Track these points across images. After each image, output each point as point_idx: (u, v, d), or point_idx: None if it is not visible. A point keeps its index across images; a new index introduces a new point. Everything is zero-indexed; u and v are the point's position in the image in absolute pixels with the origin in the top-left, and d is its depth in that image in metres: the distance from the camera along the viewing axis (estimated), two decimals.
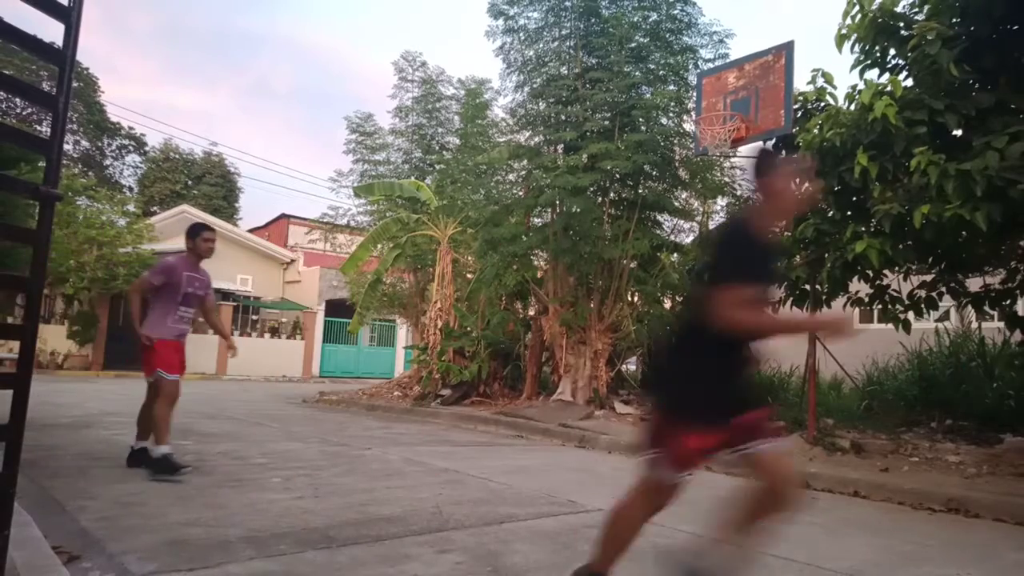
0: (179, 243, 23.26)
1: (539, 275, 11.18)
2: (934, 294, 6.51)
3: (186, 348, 4.92)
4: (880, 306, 6.54)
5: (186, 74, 71.91)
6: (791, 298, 6.81)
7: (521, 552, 3.03)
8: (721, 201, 11.48)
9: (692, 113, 9.07)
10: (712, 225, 11.63)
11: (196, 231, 4.89)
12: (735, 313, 2.05)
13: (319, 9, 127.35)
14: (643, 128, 9.58)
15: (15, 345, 2.36)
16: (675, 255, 10.63)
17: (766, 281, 2.34)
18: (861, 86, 5.67)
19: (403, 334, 25.33)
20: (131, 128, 35.37)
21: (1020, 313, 6.38)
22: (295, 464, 5.25)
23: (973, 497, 4.58)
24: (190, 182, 35.95)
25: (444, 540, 3.16)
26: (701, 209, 11.87)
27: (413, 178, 14.45)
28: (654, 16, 9.83)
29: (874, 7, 5.48)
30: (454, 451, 6.64)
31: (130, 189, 34.63)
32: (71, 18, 1.92)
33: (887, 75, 5.69)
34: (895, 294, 6.54)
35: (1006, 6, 4.86)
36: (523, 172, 11.03)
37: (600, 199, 10.20)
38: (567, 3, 10.04)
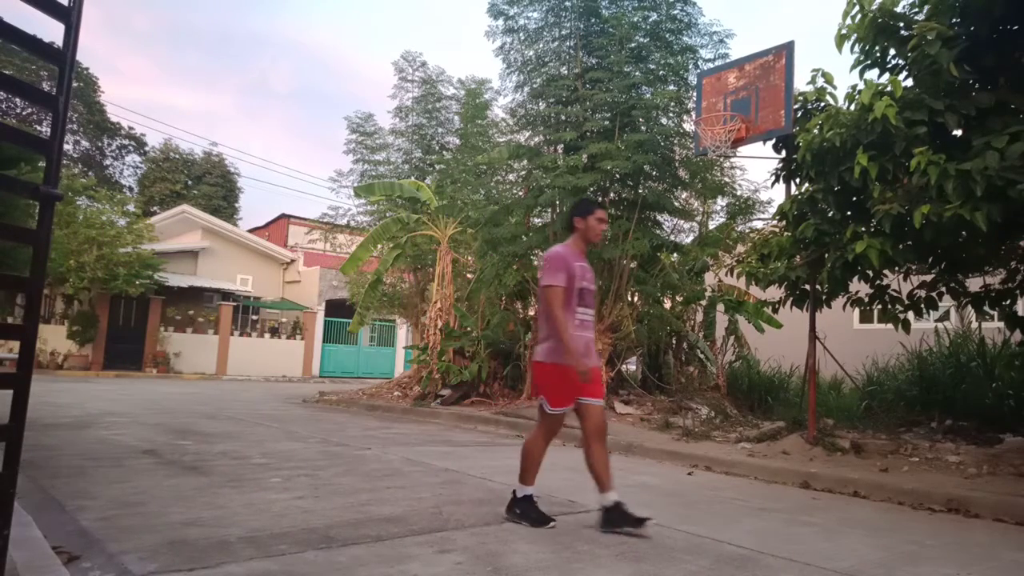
0: (180, 243, 22.95)
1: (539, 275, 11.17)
2: (934, 294, 6.51)
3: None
4: (880, 306, 6.54)
5: (186, 74, 71.99)
6: (791, 298, 6.81)
7: (521, 552, 3.03)
8: (721, 201, 11.50)
9: (692, 113, 9.07)
10: (712, 225, 11.66)
11: (588, 208, 3.82)
12: None
13: (320, 9, 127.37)
14: (643, 128, 9.58)
15: (15, 345, 2.35)
16: (675, 255, 10.63)
17: None
18: (861, 86, 5.66)
19: (403, 334, 25.36)
20: (131, 128, 35.46)
21: (1020, 313, 6.37)
22: (295, 464, 5.25)
23: (973, 497, 4.58)
24: (190, 182, 35.99)
25: (444, 540, 3.16)
26: (701, 209, 11.88)
27: (413, 178, 14.46)
28: (654, 16, 9.84)
29: (874, 7, 5.48)
30: (454, 451, 6.64)
31: (130, 189, 34.68)
32: (71, 18, 1.92)
33: (887, 75, 5.68)
34: (895, 294, 6.54)
35: (1006, 6, 4.86)
36: (523, 172, 11.03)
37: (600, 199, 10.20)
38: (567, 3, 10.04)
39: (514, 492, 3.65)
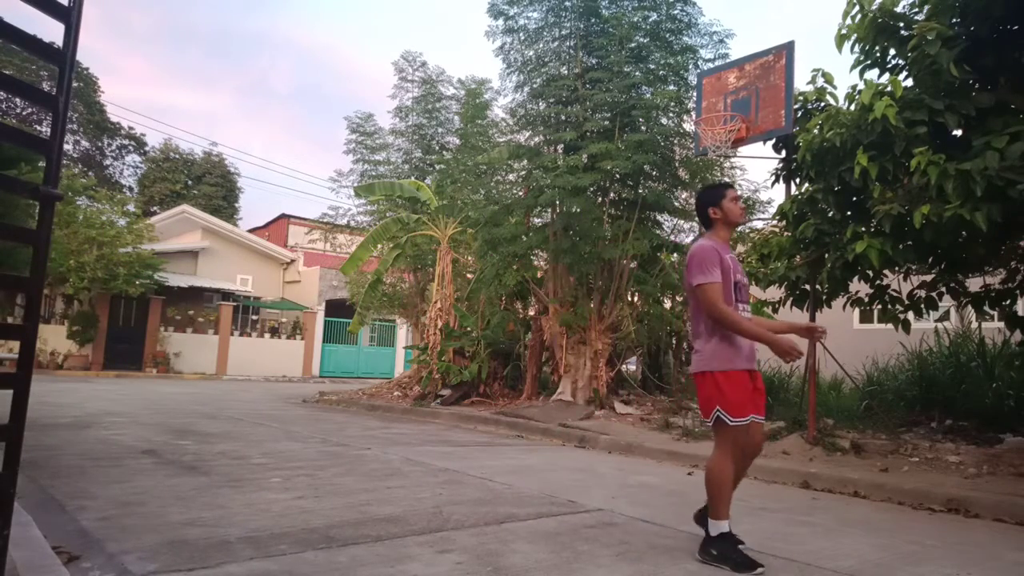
0: (180, 243, 22.97)
1: (539, 275, 11.18)
2: (934, 294, 6.51)
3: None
4: (880, 306, 6.54)
5: (186, 74, 72.02)
6: (791, 298, 6.81)
7: (521, 552, 3.03)
8: None
9: (692, 113, 9.07)
10: None
11: (717, 193, 3.33)
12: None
13: (320, 9, 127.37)
14: (643, 128, 9.58)
15: (15, 345, 2.35)
16: (675, 255, 10.63)
17: None
18: (861, 86, 5.67)
19: (403, 334, 25.36)
20: (131, 128, 35.46)
21: (1020, 313, 6.37)
22: (295, 464, 5.25)
23: (973, 497, 4.57)
24: (190, 182, 35.99)
25: (444, 540, 3.16)
26: None
27: (413, 178, 14.46)
28: (654, 16, 9.83)
29: (874, 7, 5.48)
30: (454, 451, 6.64)
31: (130, 189, 34.68)
32: (71, 18, 1.92)
33: (887, 75, 5.69)
34: (895, 294, 6.54)
35: (1006, 6, 4.86)
36: (523, 172, 11.03)
37: (600, 199, 10.20)
38: (567, 3, 10.04)
39: (706, 530, 3.04)
